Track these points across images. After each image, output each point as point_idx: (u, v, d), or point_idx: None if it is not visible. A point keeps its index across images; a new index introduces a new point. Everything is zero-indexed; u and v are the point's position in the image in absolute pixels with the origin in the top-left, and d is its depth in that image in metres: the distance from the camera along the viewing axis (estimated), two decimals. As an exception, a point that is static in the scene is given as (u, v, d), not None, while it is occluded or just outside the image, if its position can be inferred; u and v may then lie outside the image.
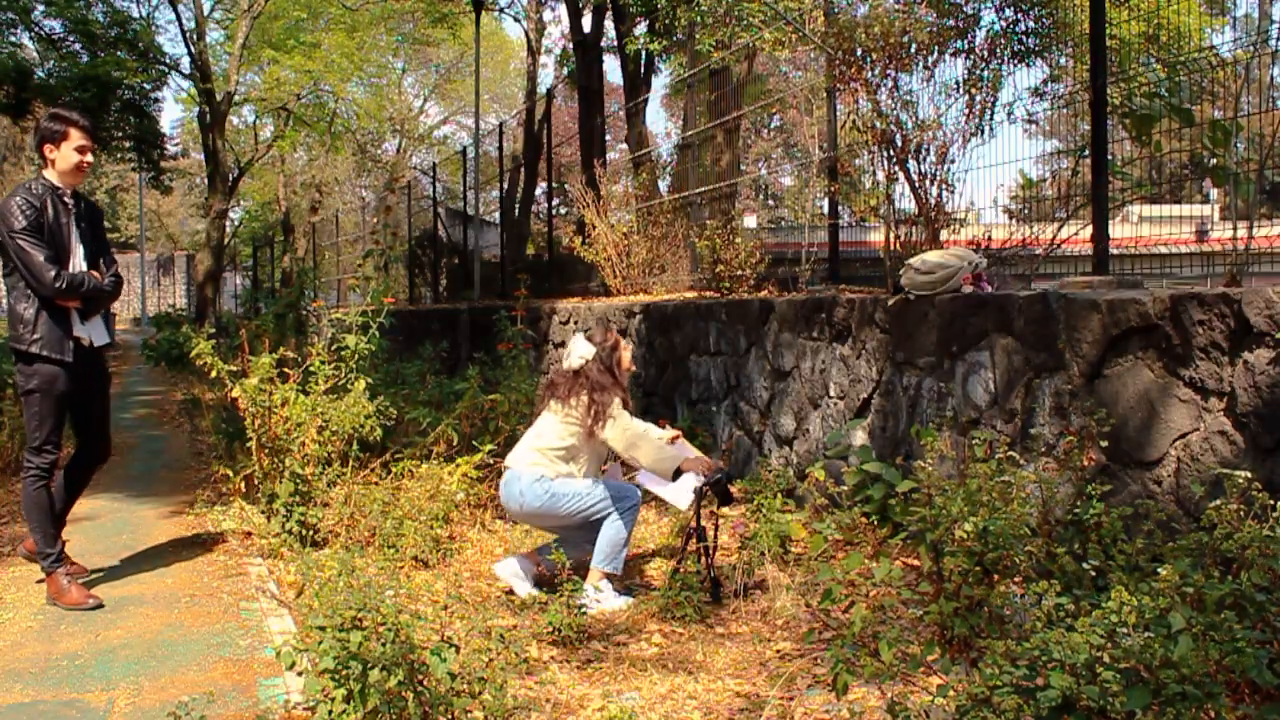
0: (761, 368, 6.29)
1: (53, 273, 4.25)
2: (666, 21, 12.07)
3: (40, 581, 4.56)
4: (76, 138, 4.39)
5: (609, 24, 16.03)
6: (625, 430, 4.47)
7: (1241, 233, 4.09)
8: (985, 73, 5.54)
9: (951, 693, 2.41)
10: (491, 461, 5.75)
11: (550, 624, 3.84)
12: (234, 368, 5.47)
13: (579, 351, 4.62)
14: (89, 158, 4.46)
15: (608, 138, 22.93)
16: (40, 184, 4.37)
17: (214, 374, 5.40)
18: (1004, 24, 5.70)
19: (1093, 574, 3.11)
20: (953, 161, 5.55)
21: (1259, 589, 2.47)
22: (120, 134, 19.55)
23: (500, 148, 16.41)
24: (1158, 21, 5.41)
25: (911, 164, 5.63)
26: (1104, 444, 3.63)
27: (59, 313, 4.35)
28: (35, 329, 4.30)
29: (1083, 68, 5.16)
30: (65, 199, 4.41)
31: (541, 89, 22.82)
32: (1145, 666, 2.18)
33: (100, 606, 4.35)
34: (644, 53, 14.69)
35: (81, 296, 4.36)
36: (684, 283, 8.86)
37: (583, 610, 3.91)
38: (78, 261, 4.42)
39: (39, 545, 4.44)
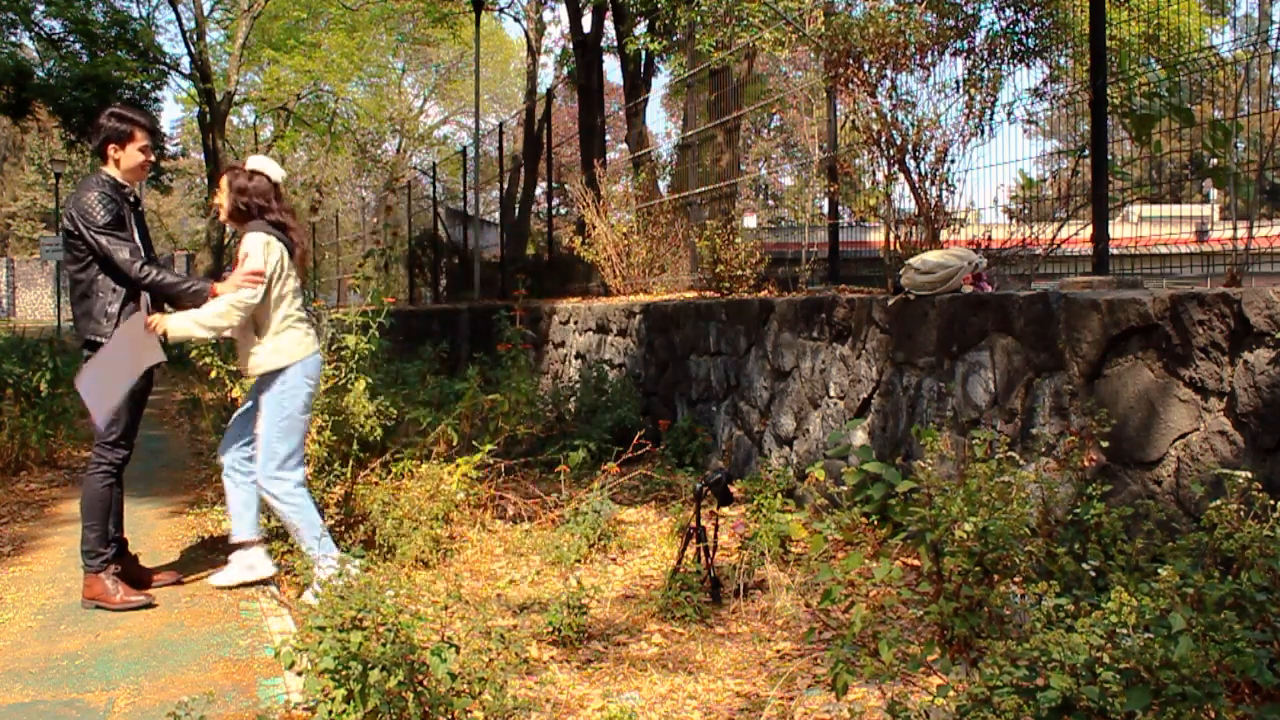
0: (761, 367, 6.29)
1: (138, 264, 4.24)
2: (666, 21, 12.09)
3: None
4: (141, 138, 4.42)
5: (609, 24, 16.03)
6: None
7: (1241, 233, 4.09)
8: (985, 73, 5.55)
9: (951, 693, 2.41)
10: (492, 461, 5.75)
11: (550, 624, 3.84)
12: (234, 368, 5.47)
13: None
14: (151, 157, 4.51)
15: (608, 138, 22.93)
16: (108, 180, 4.37)
17: (214, 374, 5.40)
18: (1004, 24, 5.71)
19: (1093, 574, 3.11)
20: (952, 161, 5.56)
21: (1259, 589, 2.47)
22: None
23: (500, 148, 16.42)
24: (1158, 21, 5.41)
25: (911, 164, 5.64)
26: (1104, 444, 3.63)
27: (141, 308, 4.36)
28: (119, 323, 4.29)
29: (1083, 68, 5.16)
30: (129, 198, 4.45)
31: (541, 89, 22.84)
32: (1145, 667, 2.18)
33: (153, 605, 4.33)
34: (644, 53, 14.70)
35: (162, 293, 4.37)
36: (684, 283, 8.86)
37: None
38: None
39: (92, 543, 4.35)
